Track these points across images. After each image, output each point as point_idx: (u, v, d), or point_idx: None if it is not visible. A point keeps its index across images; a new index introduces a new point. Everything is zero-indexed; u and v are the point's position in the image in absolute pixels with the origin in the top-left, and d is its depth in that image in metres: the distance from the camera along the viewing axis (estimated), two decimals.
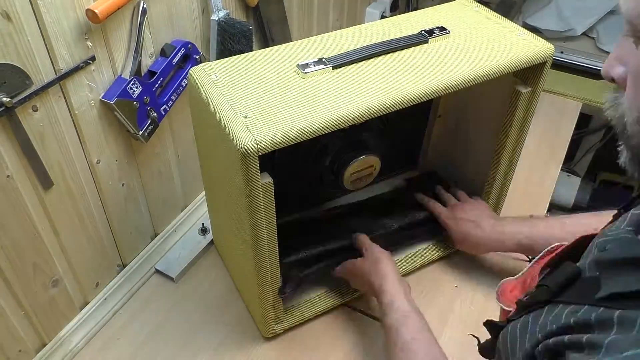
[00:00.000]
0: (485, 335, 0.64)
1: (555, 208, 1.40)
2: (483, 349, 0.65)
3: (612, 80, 0.43)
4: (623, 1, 0.39)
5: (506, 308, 0.63)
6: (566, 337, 0.43)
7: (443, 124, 1.07)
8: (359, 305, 0.94)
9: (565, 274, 0.49)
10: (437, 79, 0.74)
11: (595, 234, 0.55)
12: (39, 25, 0.66)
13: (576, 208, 1.59)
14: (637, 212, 0.48)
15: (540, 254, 0.66)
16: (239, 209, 0.73)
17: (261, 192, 0.68)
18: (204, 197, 1.10)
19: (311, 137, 0.67)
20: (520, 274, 0.68)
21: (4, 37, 0.63)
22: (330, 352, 0.87)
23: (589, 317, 0.42)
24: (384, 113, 0.71)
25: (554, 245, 0.64)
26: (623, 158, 0.43)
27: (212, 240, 1.05)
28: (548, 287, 0.50)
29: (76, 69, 0.73)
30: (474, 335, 0.70)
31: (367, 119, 0.70)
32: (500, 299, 0.66)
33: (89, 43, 0.74)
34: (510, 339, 0.53)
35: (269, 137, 0.64)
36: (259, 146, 0.63)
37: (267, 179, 0.68)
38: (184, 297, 0.96)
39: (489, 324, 0.62)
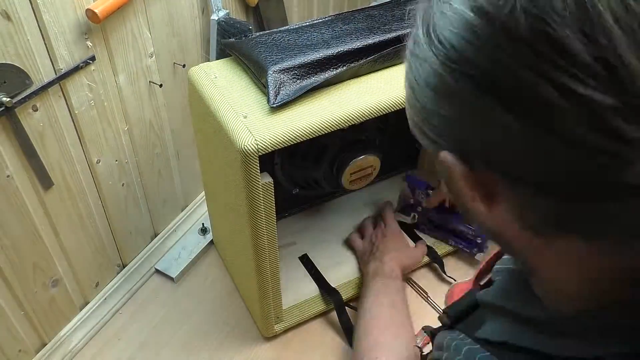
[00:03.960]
0: None
1: None
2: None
3: None
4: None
5: None
6: None
7: None
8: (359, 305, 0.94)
9: (462, 304, 0.50)
10: None
11: None
12: (38, 25, 0.66)
13: None
14: None
15: (490, 256, 0.66)
16: (239, 209, 0.73)
17: (261, 192, 0.68)
18: (204, 197, 1.10)
19: (311, 137, 0.67)
20: (472, 276, 0.68)
21: (4, 37, 0.63)
22: (330, 351, 0.87)
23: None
24: (384, 113, 0.71)
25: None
26: None
27: (212, 240, 1.05)
28: (447, 315, 0.51)
29: (76, 69, 0.73)
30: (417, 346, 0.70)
31: (367, 118, 0.70)
32: (447, 302, 0.65)
33: (89, 43, 0.74)
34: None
35: (268, 137, 0.64)
36: (259, 146, 0.63)
37: (267, 179, 0.68)
38: (184, 297, 0.96)
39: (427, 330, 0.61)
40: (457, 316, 0.50)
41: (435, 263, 0.98)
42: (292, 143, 0.66)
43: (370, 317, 0.80)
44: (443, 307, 0.91)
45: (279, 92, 0.67)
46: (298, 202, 1.06)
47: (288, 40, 0.74)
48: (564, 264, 0.35)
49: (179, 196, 1.07)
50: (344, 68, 0.71)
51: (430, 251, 0.99)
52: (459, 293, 0.67)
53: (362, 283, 0.90)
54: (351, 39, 0.72)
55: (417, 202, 1.00)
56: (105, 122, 0.82)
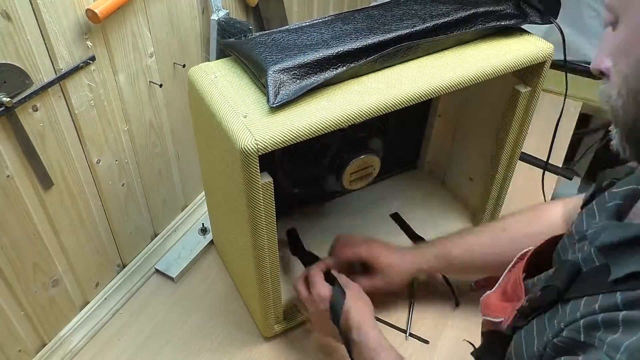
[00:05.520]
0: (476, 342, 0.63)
1: None
2: (480, 356, 0.64)
3: (602, 73, 0.46)
4: None
5: (494, 319, 0.62)
6: (600, 316, 0.43)
7: (443, 124, 1.07)
8: None
9: (566, 270, 0.50)
10: (437, 78, 0.74)
11: (563, 235, 0.58)
12: (38, 25, 0.66)
13: None
14: (610, 204, 0.53)
15: (512, 263, 0.66)
16: (239, 208, 0.73)
17: (261, 192, 0.68)
18: (204, 197, 1.10)
19: (311, 137, 0.67)
20: (496, 285, 0.67)
21: (4, 37, 0.63)
22: (330, 352, 0.87)
23: (614, 301, 0.42)
24: (384, 113, 0.71)
25: (523, 252, 0.65)
26: (616, 142, 0.46)
27: (212, 240, 1.05)
28: (555, 287, 0.50)
29: (76, 69, 0.73)
30: (469, 342, 0.71)
31: (367, 118, 0.70)
32: (485, 312, 0.65)
33: (89, 43, 0.74)
34: (525, 342, 0.53)
35: (268, 137, 0.64)
36: (258, 146, 0.63)
37: (267, 179, 0.68)
38: (184, 297, 0.96)
39: (491, 333, 0.61)
40: (567, 282, 0.49)
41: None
42: (292, 143, 0.66)
43: None
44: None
45: (278, 92, 0.67)
46: (298, 202, 1.07)
47: (288, 40, 0.74)
48: None
49: (179, 196, 1.07)
50: (344, 68, 0.71)
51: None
52: (495, 301, 0.67)
53: None
54: (351, 39, 0.72)
55: None
56: (105, 122, 0.82)
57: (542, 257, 0.61)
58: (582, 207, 0.61)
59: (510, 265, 0.67)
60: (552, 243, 0.62)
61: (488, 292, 0.68)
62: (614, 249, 0.46)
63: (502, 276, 0.67)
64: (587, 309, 0.45)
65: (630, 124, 0.44)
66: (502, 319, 0.60)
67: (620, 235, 0.46)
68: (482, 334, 0.63)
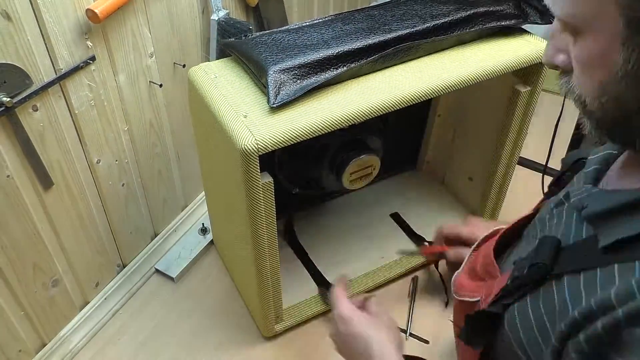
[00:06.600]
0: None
1: None
2: (469, 337, 0.61)
3: (556, 67, 0.49)
4: (553, 4, 0.45)
5: (470, 299, 0.63)
6: (620, 312, 0.41)
7: (442, 124, 1.07)
8: None
9: (549, 246, 0.51)
10: (437, 78, 0.74)
11: (534, 214, 0.60)
12: (39, 25, 0.66)
13: None
14: (588, 169, 0.55)
15: (477, 242, 0.68)
16: (239, 208, 0.73)
17: (261, 192, 0.68)
18: (204, 197, 1.10)
19: (311, 136, 0.67)
20: (463, 265, 0.69)
21: (4, 37, 0.63)
22: (330, 351, 0.87)
23: (626, 287, 0.42)
24: (384, 112, 0.71)
25: (491, 231, 0.67)
26: (588, 128, 0.48)
27: (212, 240, 1.05)
28: (543, 264, 0.51)
29: (76, 69, 0.73)
30: (452, 320, 0.71)
31: (367, 118, 0.70)
32: (461, 293, 0.66)
33: (89, 43, 0.74)
34: (520, 323, 0.53)
35: (269, 137, 0.64)
36: (259, 146, 0.63)
37: (267, 179, 0.68)
38: (184, 297, 0.96)
39: (479, 313, 0.59)
40: (553, 257, 0.50)
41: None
42: (292, 143, 0.66)
43: None
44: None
45: (279, 92, 0.67)
46: (298, 202, 1.07)
47: (288, 40, 0.74)
48: None
49: (179, 196, 1.07)
50: (344, 68, 0.71)
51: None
52: (466, 281, 0.67)
53: None
54: (351, 39, 0.73)
55: None
56: (105, 122, 0.82)
57: (508, 236, 0.63)
58: (547, 193, 0.64)
59: (475, 245, 0.69)
60: (522, 224, 0.64)
61: (457, 272, 0.69)
62: (601, 217, 0.48)
63: (468, 255, 0.69)
64: (598, 297, 0.44)
65: (610, 123, 0.45)
66: (479, 298, 0.61)
67: (607, 203, 0.48)
68: (467, 316, 0.61)
